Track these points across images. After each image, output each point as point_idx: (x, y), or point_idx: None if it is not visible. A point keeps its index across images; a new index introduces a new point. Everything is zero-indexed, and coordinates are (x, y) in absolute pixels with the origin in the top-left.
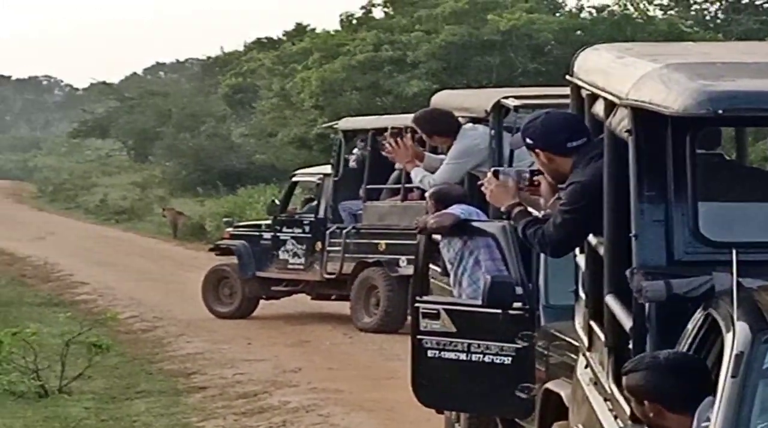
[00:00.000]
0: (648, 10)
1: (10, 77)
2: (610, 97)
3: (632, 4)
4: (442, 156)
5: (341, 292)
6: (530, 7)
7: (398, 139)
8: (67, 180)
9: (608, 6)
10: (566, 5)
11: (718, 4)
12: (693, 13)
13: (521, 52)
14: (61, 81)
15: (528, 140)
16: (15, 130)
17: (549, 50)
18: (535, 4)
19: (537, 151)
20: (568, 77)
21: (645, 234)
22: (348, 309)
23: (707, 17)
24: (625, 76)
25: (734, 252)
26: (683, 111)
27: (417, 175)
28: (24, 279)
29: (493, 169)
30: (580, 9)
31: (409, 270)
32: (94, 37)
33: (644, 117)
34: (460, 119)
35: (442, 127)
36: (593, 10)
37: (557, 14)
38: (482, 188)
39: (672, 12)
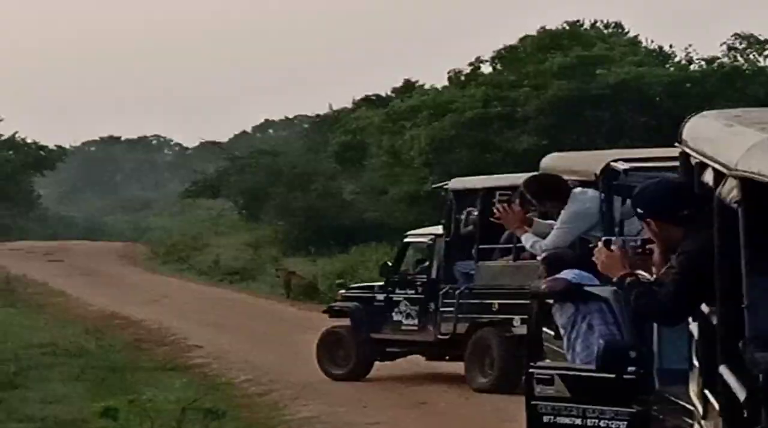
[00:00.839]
0: (758, 61)
1: (120, 138)
2: (718, 167)
3: (742, 56)
4: (550, 221)
5: (455, 352)
6: (639, 61)
7: (507, 204)
8: (180, 241)
9: (718, 58)
10: (675, 56)
11: None
12: None
13: (631, 105)
14: (171, 140)
15: (639, 210)
16: (126, 190)
17: (659, 103)
18: (643, 57)
19: (648, 220)
20: (677, 145)
21: (757, 304)
22: (463, 369)
23: None
24: (734, 145)
25: None
26: None
27: (528, 240)
28: (139, 343)
29: (604, 238)
30: (690, 61)
31: (523, 330)
32: (203, 95)
33: (754, 187)
34: (570, 182)
35: (552, 192)
36: (703, 63)
37: (667, 65)
38: (593, 258)
39: None
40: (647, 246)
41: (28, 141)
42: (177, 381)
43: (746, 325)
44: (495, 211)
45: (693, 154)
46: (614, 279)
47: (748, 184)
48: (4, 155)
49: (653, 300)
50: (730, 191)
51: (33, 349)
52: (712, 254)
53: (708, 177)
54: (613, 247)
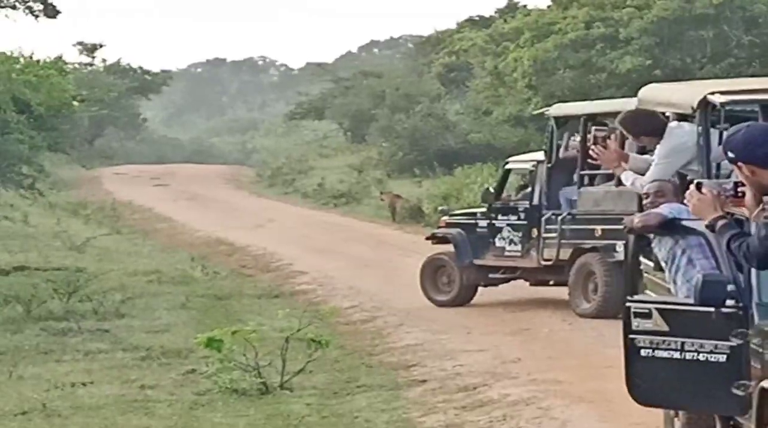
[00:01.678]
0: None
1: (225, 59)
2: None
3: None
4: (646, 156)
5: (559, 278)
6: None
7: (603, 141)
8: (285, 163)
9: None
10: None
11: None
12: None
13: (735, 24)
14: (276, 61)
15: (730, 154)
16: (232, 111)
17: (764, 21)
18: None
19: (740, 164)
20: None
21: None
22: (566, 294)
23: None
24: None
25: None
26: None
27: (627, 178)
28: (244, 269)
29: (696, 181)
30: None
31: None
32: (309, 15)
33: None
34: (668, 115)
35: (648, 128)
36: None
37: None
38: (685, 201)
39: None
40: (739, 190)
41: (134, 66)
42: (281, 308)
43: None
44: (591, 152)
45: None
46: (706, 223)
47: None
48: (109, 80)
49: (746, 245)
50: None
51: (138, 277)
52: None
53: None
54: (704, 190)
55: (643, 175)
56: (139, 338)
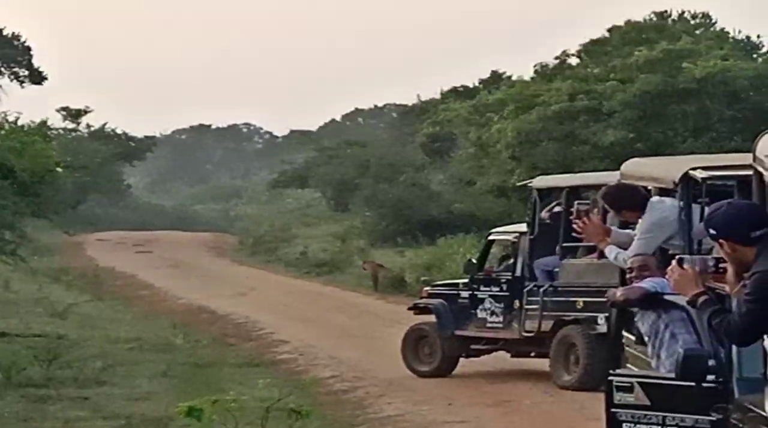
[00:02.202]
0: None
1: (210, 126)
2: None
3: None
4: (629, 231)
5: (540, 350)
6: (725, 54)
7: (586, 215)
8: (268, 231)
9: None
10: (763, 47)
11: None
12: None
13: (717, 99)
14: (261, 128)
15: (711, 231)
16: (216, 178)
17: (745, 96)
18: (729, 50)
19: (721, 241)
20: (748, 163)
21: None
22: (548, 366)
23: None
24: None
25: None
26: None
27: (611, 252)
28: (225, 338)
29: (677, 256)
30: None
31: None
32: (294, 83)
33: None
34: (650, 189)
35: (630, 202)
36: None
37: (754, 56)
38: (667, 276)
39: None
40: (720, 265)
41: (118, 131)
42: (262, 378)
43: None
44: (575, 226)
45: (765, 172)
46: (687, 298)
47: None
48: (93, 146)
49: (726, 322)
50: None
51: (120, 344)
52: None
53: None
54: (685, 266)
55: (625, 248)
56: (120, 406)
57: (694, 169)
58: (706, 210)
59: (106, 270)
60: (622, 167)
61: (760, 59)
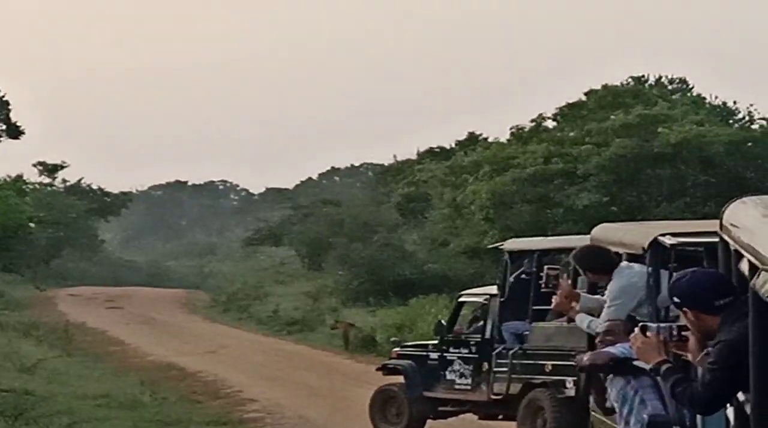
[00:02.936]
0: None
1: (186, 182)
2: (753, 260)
3: None
4: (597, 296)
5: (508, 412)
6: (700, 120)
7: (556, 281)
8: (241, 289)
9: None
10: (739, 112)
11: None
12: None
13: (692, 164)
14: (237, 185)
15: (675, 299)
16: (191, 235)
17: (720, 162)
18: (705, 115)
19: (685, 309)
20: (716, 231)
21: None
22: None
23: None
24: None
25: None
26: None
27: (582, 321)
28: (194, 395)
29: (640, 324)
30: (751, 121)
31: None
32: (271, 141)
33: None
34: (621, 253)
35: (598, 265)
36: (765, 122)
37: (729, 122)
38: (630, 344)
39: None
40: (683, 333)
41: (93, 187)
42: None
43: None
44: (543, 285)
45: (731, 241)
46: (650, 366)
47: None
48: (68, 201)
49: (689, 390)
50: (763, 285)
51: (87, 401)
52: (747, 344)
53: (744, 266)
54: (649, 334)
55: (593, 314)
56: None
57: (662, 235)
58: (664, 291)
59: (76, 326)
60: (593, 232)
61: (735, 125)
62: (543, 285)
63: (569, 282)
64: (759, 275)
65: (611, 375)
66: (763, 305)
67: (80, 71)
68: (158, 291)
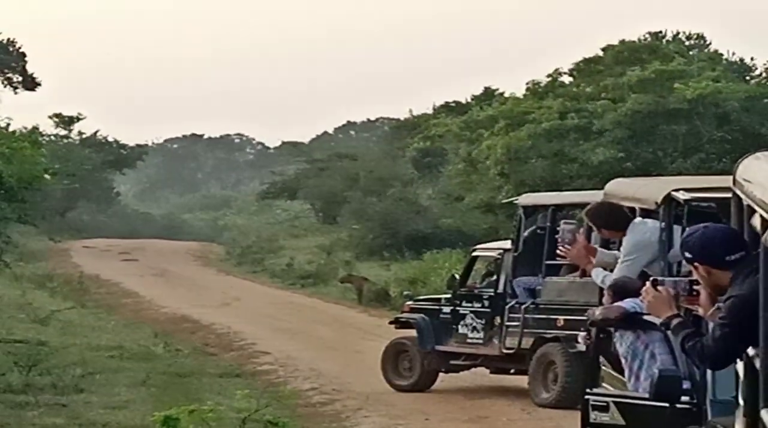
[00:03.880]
0: None
1: (202, 136)
2: (765, 215)
3: None
4: (614, 252)
5: (520, 367)
6: (717, 76)
7: (572, 238)
8: (255, 242)
9: None
10: (756, 69)
11: None
12: None
13: (707, 120)
14: (253, 139)
15: (687, 254)
16: (206, 188)
17: (735, 118)
18: (722, 72)
19: (696, 264)
20: (730, 186)
21: None
22: (526, 383)
23: None
24: None
25: None
26: None
27: (598, 275)
28: (207, 347)
29: (651, 278)
30: None
31: None
32: (287, 95)
33: None
34: (636, 207)
35: (612, 221)
36: None
37: (747, 78)
38: (640, 298)
39: None
40: (694, 288)
41: (109, 139)
42: (241, 388)
43: None
44: (559, 251)
45: (744, 196)
46: (660, 321)
47: None
48: (84, 154)
49: (699, 345)
50: None
51: (100, 352)
52: (758, 300)
53: (756, 222)
54: (660, 288)
55: (610, 269)
56: (97, 414)
57: (676, 190)
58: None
59: (90, 278)
60: (606, 187)
61: (752, 81)
62: (559, 241)
63: (585, 237)
64: None
65: (621, 330)
66: None
67: (96, 24)
68: (173, 243)
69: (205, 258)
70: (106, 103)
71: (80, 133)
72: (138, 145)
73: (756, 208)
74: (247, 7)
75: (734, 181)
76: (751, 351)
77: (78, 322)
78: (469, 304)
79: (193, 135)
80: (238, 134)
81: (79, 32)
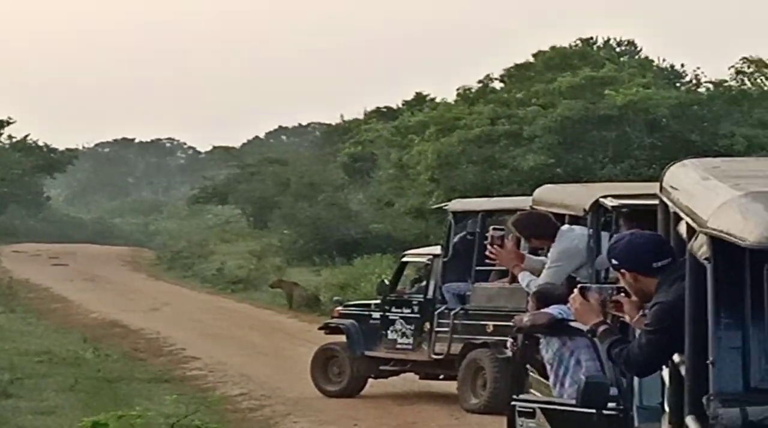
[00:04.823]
0: (765, 84)
1: (133, 140)
2: (690, 222)
3: (750, 79)
4: (542, 258)
5: (449, 372)
6: (647, 83)
7: (500, 242)
8: (186, 247)
9: (725, 81)
10: (686, 75)
11: None
12: None
13: (637, 126)
14: (184, 144)
15: (614, 261)
16: (137, 193)
17: (665, 125)
18: (652, 78)
19: (622, 271)
20: (656, 192)
21: (722, 360)
22: (455, 389)
23: None
24: (706, 201)
25: None
26: (758, 243)
27: (524, 279)
28: (136, 352)
29: (579, 285)
30: (698, 83)
31: None
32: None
33: (723, 245)
34: (565, 214)
35: (540, 231)
36: (711, 85)
37: (677, 85)
38: (568, 305)
39: None
40: (614, 297)
41: (40, 143)
42: (170, 394)
43: (710, 381)
44: (488, 252)
45: (670, 203)
46: (587, 328)
47: (717, 241)
48: (14, 158)
49: (625, 352)
50: (700, 247)
51: (29, 357)
52: (684, 306)
53: (682, 229)
54: (587, 294)
55: (538, 275)
56: (25, 419)
57: (604, 196)
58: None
59: (20, 283)
60: (535, 193)
61: (682, 88)
62: (489, 246)
63: (514, 243)
64: (696, 237)
65: (547, 336)
66: (700, 267)
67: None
68: (103, 248)
69: (135, 263)
70: (37, 107)
71: (10, 137)
72: (68, 150)
73: (682, 215)
74: (176, 12)
75: (661, 188)
76: (676, 357)
77: (7, 327)
78: (399, 310)
79: (124, 139)
80: (170, 139)
81: (8, 33)
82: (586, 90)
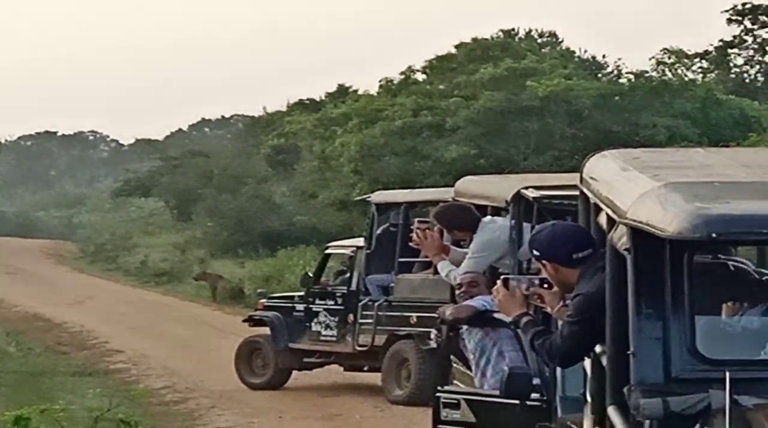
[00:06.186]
0: (686, 75)
1: (56, 133)
2: (610, 213)
3: (670, 70)
4: (465, 250)
5: (373, 364)
6: (569, 74)
7: (425, 231)
8: (109, 240)
9: (646, 72)
10: (607, 66)
11: (758, 67)
12: (733, 76)
13: (559, 117)
14: (107, 136)
15: (535, 252)
16: (60, 186)
17: (587, 115)
18: (574, 69)
19: (544, 262)
20: (577, 184)
21: (643, 351)
22: (380, 380)
23: (747, 80)
24: (626, 192)
25: (727, 374)
26: (678, 234)
27: (443, 268)
28: (59, 346)
29: (502, 276)
30: (619, 74)
31: None
32: (142, 92)
33: (643, 236)
34: (486, 205)
35: (461, 222)
36: (632, 76)
37: (598, 76)
38: (492, 296)
39: (712, 75)
40: (544, 286)
41: None
42: (94, 387)
43: (632, 371)
44: (413, 237)
45: (590, 195)
46: (510, 319)
47: (637, 232)
48: None
49: (548, 343)
50: (620, 237)
51: None
52: (605, 297)
53: (602, 219)
54: (510, 286)
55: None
56: None
57: (525, 188)
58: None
59: None
60: (456, 185)
61: (603, 79)
62: (413, 238)
63: (438, 235)
64: (616, 228)
65: (470, 327)
66: (620, 258)
67: None
68: (26, 241)
69: (58, 256)
70: None
71: None
72: None
73: (602, 206)
74: (99, 5)
75: (581, 179)
76: (598, 348)
77: None
78: (323, 302)
79: (47, 132)
80: (92, 131)
81: None
82: (508, 81)
